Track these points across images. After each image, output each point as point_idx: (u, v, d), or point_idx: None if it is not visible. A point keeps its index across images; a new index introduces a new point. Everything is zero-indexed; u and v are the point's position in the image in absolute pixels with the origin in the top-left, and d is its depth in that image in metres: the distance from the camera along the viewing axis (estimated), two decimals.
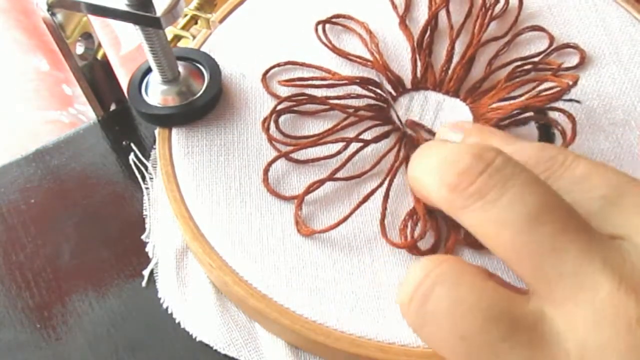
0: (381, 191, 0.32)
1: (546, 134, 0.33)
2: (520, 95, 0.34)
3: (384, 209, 0.31)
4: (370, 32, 0.38)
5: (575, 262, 0.18)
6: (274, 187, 0.33)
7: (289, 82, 0.36)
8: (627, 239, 0.19)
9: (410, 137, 0.34)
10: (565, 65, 0.36)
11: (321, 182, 0.32)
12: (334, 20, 0.39)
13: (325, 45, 0.37)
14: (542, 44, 0.37)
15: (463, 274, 0.19)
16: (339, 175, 0.33)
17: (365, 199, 0.32)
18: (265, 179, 0.33)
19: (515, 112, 0.32)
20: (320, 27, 0.38)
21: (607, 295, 0.17)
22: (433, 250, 0.30)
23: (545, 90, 0.33)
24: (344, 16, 0.39)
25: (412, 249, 0.30)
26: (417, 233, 0.31)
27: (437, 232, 0.31)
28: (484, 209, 0.19)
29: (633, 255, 0.18)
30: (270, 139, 0.34)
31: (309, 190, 0.32)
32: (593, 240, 0.18)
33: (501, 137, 0.25)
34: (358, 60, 0.37)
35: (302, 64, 0.37)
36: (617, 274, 0.17)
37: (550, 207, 0.19)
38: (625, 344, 0.16)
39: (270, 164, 0.33)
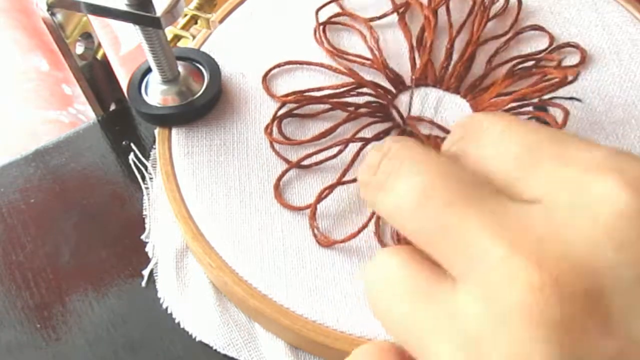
0: None
1: None
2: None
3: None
4: (370, 28, 0.38)
5: (465, 234, 0.17)
6: (280, 194, 0.32)
7: (287, 97, 0.35)
8: (542, 202, 0.17)
9: (411, 134, 0.34)
10: (565, 64, 0.36)
11: (331, 188, 0.32)
12: (333, 20, 0.39)
13: (324, 48, 0.37)
14: (542, 43, 0.37)
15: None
16: (334, 176, 0.33)
17: None
18: (277, 194, 0.32)
19: (513, 105, 0.32)
20: (319, 28, 0.38)
21: (497, 263, 0.16)
22: None
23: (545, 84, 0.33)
24: (344, 13, 0.39)
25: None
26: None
27: None
28: (386, 198, 0.19)
29: (537, 219, 0.16)
30: (273, 144, 0.34)
31: (321, 198, 0.32)
32: (489, 207, 0.17)
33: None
34: (357, 60, 0.37)
35: (302, 63, 0.37)
36: (507, 240, 0.16)
37: (437, 182, 0.18)
38: (523, 314, 0.15)
39: (280, 178, 0.33)
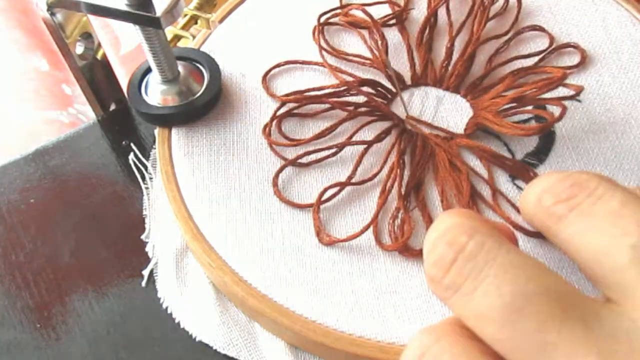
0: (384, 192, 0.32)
1: (546, 136, 0.34)
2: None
3: (378, 210, 0.31)
4: (371, 27, 0.38)
5: (567, 357, 0.16)
6: (278, 190, 0.32)
7: (288, 97, 0.35)
8: (623, 305, 0.16)
9: (410, 133, 0.34)
10: (565, 65, 0.36)
11: (337, 186, 0.32)
12: (333, 19, 0.39)
13: (324, 49, 0.37)
14: (542, 43, 0.37)
15: (460, 356, 0.18)
16: (339, 177, 0.33)
17: (385, 199, 0.31)
18: (276, 190, 0.32)
19: (512, 104, 0.32)
20: (318, 28, 0.38)
21: None
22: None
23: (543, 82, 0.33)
24: (346, 6, 0.39)
25: (404, 251, 0.30)
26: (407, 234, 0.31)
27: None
28: (462, 301, 0.18)
29: (632, 334, 0.16)
30: (272, 144, 0.34)
31: (324, 196, 0.32)
32: (586, 325, 0.16)
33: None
34: (357, 60, 0.37)
35: (303, 62, 0.37)
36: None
37: (531, 294, 0.17)
38: None
39: (278, 174, 0.33)
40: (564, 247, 0.19)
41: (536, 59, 0.36)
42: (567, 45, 0.37)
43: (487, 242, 0.18)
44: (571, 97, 0.33)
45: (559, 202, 0.19)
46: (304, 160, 0.33)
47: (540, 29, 0.37)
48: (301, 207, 0.32)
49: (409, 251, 0.30)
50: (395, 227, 0.31)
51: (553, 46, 0.37)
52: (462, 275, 0.18)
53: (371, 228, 0.31)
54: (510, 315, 0.17)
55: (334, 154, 0.33)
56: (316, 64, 0.37)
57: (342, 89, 0.35)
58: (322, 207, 0.32)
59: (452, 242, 0.18)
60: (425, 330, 0.19)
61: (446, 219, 0.20)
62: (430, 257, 0.19)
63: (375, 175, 0.32)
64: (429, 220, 0.31)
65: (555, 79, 0.31)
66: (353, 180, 0.32)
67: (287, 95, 0.36)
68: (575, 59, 0.36)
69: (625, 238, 0.17)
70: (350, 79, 0.36)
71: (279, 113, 0.35)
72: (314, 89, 0.36)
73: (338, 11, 0.38)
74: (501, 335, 0.17)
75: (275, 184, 0.33)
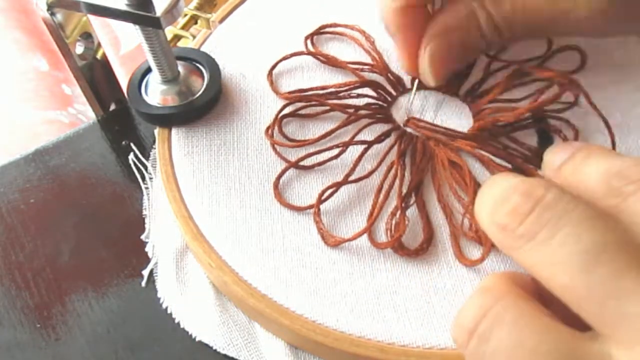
0: (384, 192, 0.32)
1: (545, 138, 0.34)
2: (520, 98, 0.34)
3: (373, 208, 0.31)
4: (364, 33, 0.38)
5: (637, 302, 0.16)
6: (279, 193, 0.32)
7: (290, 95, 0.36)
8: None
9: (410, 136, 0.34)
10: (565, 65, 0.36)
11: (336, 187, 0.32)
12: (323, 30, 0.39)
13: (321, 59, 0.37)
14: (540, 46, 0.37)
15: (523, 314, 0.19)
16: (333, 177, 0.33)
17: (384, 199, 0.31)
18: (277, 193, 0.32)
19: (517, 119, 0.32)
20: (312, 38, 0.38)
21: None
22: (420, 250, 0.30)
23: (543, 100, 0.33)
24: (333, 25, 0.39)
25: (398, 249, 0.30)
26: (406, 232, 0.31)
27: (427, 230, 0.31)
28: (536, 249, 0.18)
29: None
30: (274, 145, 0.34)
31: (323, 197, 0.32)
32: None
33: (604, 154, 0.23)
34: (356, 66, 0.37)
35: (310, 53, 0.37)
36: None
37: (609, 244, 0.17)
38: None
39: (279, 177, 0.33)
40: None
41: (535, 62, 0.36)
42: (567, 47, 0.37)
43: (565, 195, 0.19)
44: (570, 104, 0.33)
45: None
46: (306, 162, 0.33)
47: None
48: (301, 209, 0.32)
49: (404, 250, 0.30)
50: (392, 227, 0.31)
51: (553, 49, 0.37)
52: (539, 224, 0.18)
53: (369, 226, 0.31)
54: (588, 262, 0.17)
55: (336, 156, 0.33)
56: (322, 54, 0.37)
57: (345, 88, 0.35)
58: (323, 209, 0.32)
59: (529, 193, 0.19)
60: (482, 291, 0.20)
61: (507, 177, 0.21)
62: (504, 207, 0.19)
63: (371, 173, 0.32)
64: (427, 221, 0.31)
65: (556, 95, 0.31)
66: (350, 179, 0.32)
67: (290, 92, 0.36)
68: (574, 60, 0.36)
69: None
70: (353, 79, 0.36)
71: (282, 114, 0.35)
72: (316, 88, 0.36)
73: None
74: (577, 282, 0.17)
75: (276, 186, 0.33)
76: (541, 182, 0.19)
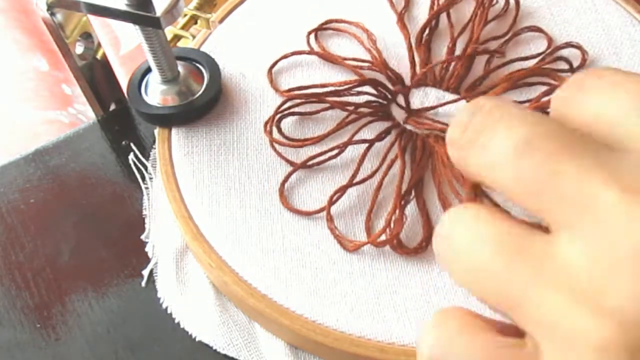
0: (384, 192, 0.32)
1: None
2: (522, 101, 0.34)
3: (372, 205, 0.31)
4: (366, 31, 0.38)
5: (576, 181, 0.16)
6: (285, 199, 0.32)
7: (290, 92, 0.36)
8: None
9: (410, 133, 0.34)
10: (565, 65, 0.36)
11: (343, 190, 0.32)
12: (326, 26, 0.39)
13: (320, 56, 0.37)
14: (541, 43, 0.37)
15: (479, 215, 0.18)
16: (333, 176, 0.33)
17: (399, 198, 0.31)
18: (283, 199, 0.32)
19: None
20: (312, 35, 0.38)
21: (611, 208, 0.16)
22: (419, 249, 0.30)
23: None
24: (337, 20, 0.39)
25: (397, 247, 0.30)
26: (406, 230, 0.31)
27: (427, 228, 0.31)
28: (479, 155, 0.18)
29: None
30: (273, 142, 0.34)
31: (332, 202, 0.32)
32: (596, 156, 0.17)
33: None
34: (356, 63, 0.37)
35: (310, 53, 0.37)
36: (618, 184, 0.16)
37: (543, 132, 0.17)
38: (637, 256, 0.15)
39: (284, 182, 0.33)
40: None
41: (535, 60, 0.36)
42: (569, 45, 0.37)
43: (506, 104, 0.19)
44: None
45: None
46: (310, 163, 0.33)
47: (539, 29, 0.37)
48: (310, 214, 0.32)
49: (403, 248, 0.30)
50: (391, 225, 0.31)
51: (554, 46, 0.37)
52: (478, 130, 0.18)
53: (366, 224, 0.31)
54: (522, 152, 0.17)
55: (336, 155, 0.33)
56: (322, 54, 0.37)
57: (344, 87, 0.35)
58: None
59: (473, 106, 0.19)
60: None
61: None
62: (452, 123, 0.19)
63: (375, 172, 0.32)
64: (426, 219, 0.31)
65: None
66: (355, 181, 0.32)
67: (289, 90, 0.36)
68: (575, 59, 0.36)
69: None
70: (353, 77, 0.36)
71: (281, 109, 0.35)
72: (316, 86, 0.36)
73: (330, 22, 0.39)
74: (512, 174, 0.17)
75: (281, 193, 0.32)
76: (487, 96, 0.20)
